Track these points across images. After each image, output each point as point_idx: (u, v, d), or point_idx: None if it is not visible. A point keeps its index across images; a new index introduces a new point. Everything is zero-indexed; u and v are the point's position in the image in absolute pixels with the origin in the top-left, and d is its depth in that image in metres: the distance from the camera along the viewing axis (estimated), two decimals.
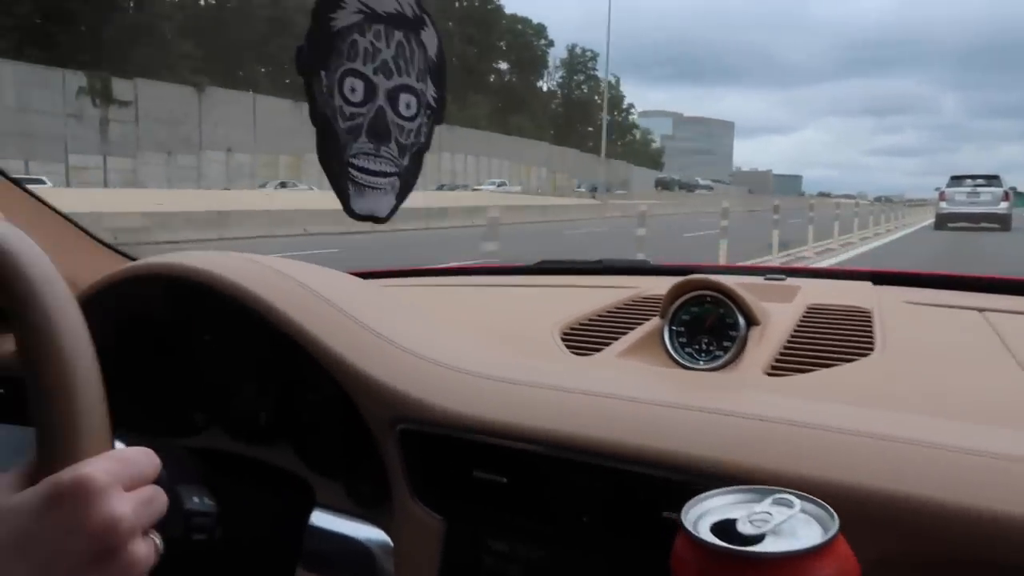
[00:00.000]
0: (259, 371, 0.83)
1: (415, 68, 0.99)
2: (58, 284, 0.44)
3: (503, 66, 71.25)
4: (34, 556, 0.39)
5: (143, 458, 0.44)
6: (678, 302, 0.88)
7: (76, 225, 1.02)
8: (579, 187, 52.27)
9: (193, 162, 37.30)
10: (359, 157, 0.99)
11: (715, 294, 0.86)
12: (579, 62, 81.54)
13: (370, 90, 0.97)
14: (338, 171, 0.97)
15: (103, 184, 31.89)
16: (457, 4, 63.48)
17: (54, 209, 1.01)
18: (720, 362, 0.83)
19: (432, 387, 0.68)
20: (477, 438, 0.65)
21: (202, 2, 43.16)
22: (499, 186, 43.53)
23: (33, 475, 0.41)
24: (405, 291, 1.21)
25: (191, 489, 0.63)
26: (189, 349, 0.87)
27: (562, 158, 66.72)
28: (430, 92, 1.02)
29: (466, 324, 0.97)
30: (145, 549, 0.42)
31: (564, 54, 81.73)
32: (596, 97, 79.26)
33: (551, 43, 75.69)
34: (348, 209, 0.98)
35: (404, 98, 1.00)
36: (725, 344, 0.84)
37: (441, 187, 42.09)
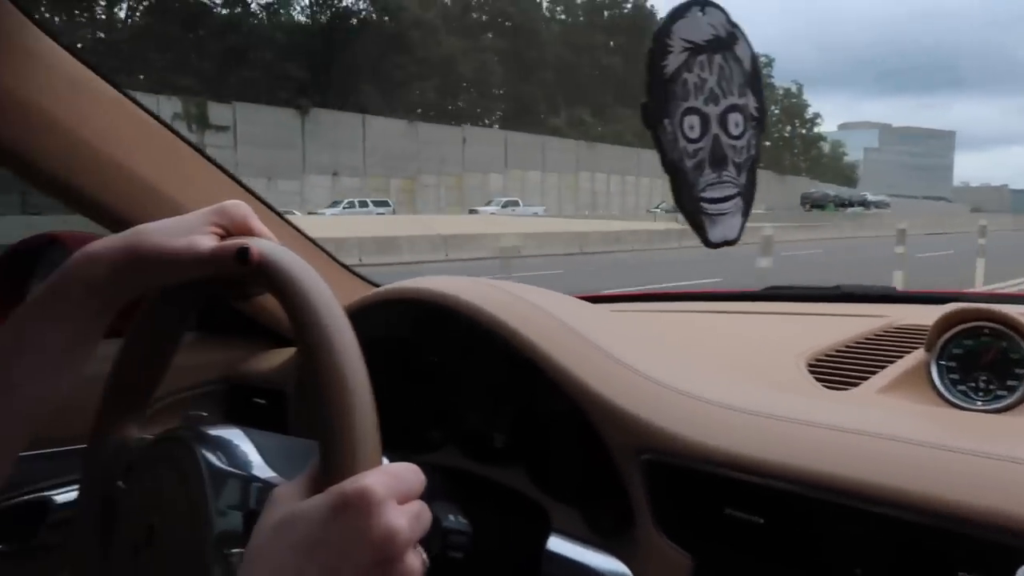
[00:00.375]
0: (495, 393, 0.91)
1: (736, 85, 1.04)
2: (337, 310, 0.52)
3: None
4: (323, 560, 0.45)
5: (411, 474, 0.50)
6: (948, 334, 0.84)
7: (324, 251, 1.16)
8: (656, 207, 44.12)
9: (296, 187, 36.25)
10: (706, 189, 1.04)
11: (995, 326, 0.82)
12: None
13: (704, 122, 1.02)
14: (692, 209, 1.05)
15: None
16: (606, 13, 59.64)
17: (306, 236, 1.16)
18: (1005, 403, 0.79)
19: (679, 418, 0.71)
20: (729, 473, 0.66)
21: (314, 20, 42.58)
22: (505, 206, 37.36)
23: (317, 483, 0.48)
24: (634, 316, 1.27)
25: (445, 507, 0.68)
26: (427, 369, 0.96)
27: None
28: (751, 104, 1.07)
29: (702, 352, 0.99)
30: (417, 562, 0.48)
31: None
32: (773, 107, 71.56)
33: None
34: (705, 240, 1.07)
35: (732, 118, 1.05)
36: (1010, 383, 0.80)
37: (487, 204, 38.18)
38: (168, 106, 34.45)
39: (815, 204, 51.01)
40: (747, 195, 1.08)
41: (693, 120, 1.00)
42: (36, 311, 0.58)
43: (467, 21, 52.60)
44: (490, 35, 53.83)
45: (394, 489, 0.47)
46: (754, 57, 1.05)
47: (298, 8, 45.14)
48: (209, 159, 1.07)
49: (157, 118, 1.02)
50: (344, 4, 45.67)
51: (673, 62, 0.99)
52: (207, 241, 0.57)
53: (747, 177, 1.07)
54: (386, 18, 44.39)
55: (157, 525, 0.61)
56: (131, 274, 0.58)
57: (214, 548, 0.56)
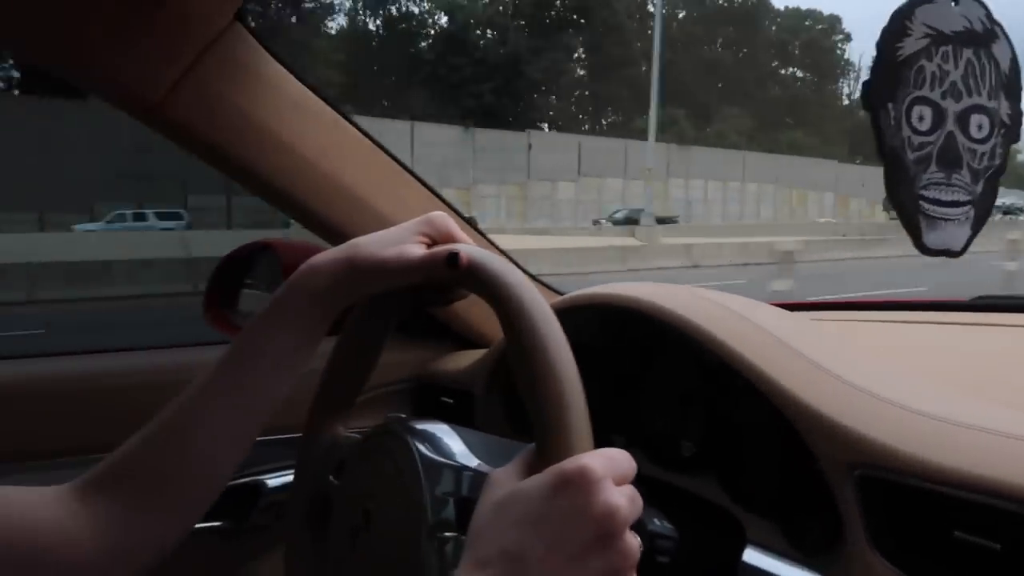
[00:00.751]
0: (684, 400, 0.95)
1: (986, 86, 1.01)
2: (546, 307, 0.59)
3: (788, 71, 60.53)
4: (547, 533, 0.50)
5: (625, 459, 0.54)
6: None
7: (511, 259, 1.27)
8: (609, 218, 37.21)
9: None
10: (929, 188, 1.03)
11: None
12: None
13: (938, 116, 1.01)
14: (908, 205, 1.04)
15: (227, 226, 30.17)
16: (708, 2, 55.40)
17: (494, 245, 1.25)
18: None
19: (898, 432, 0.70)
20: (960, 494, 0.64)
21: (360, 23, 41.86)
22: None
23: (532, 467, 0.54)
24: (838, 325, 1.29)
25: (649, 511, 0.69)
26: (614, 373, 1.02)
27: (859, 178, 53.97)
28: (1003, 109, 1.04)
29: (916, 364, 0.99)
30: (635, 541, 0.52)
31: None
32: None
33: (847, 36, 63.07)
34: (919, 244, 1.05)
35: (975, 119, 1.02)
36: None
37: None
38: None
39: None
40: (981, 207, 1.03)
41: (924, 111, 0.97)
42: (266, 319, 0.68)
43: (539, 17, 50.14)
44: (571, 31, 50.93)
45: (611, 470, 0.51)
46: (1015, 60, 1.01)
47: (342, 12, 44.60)
48: (412, 173, 1.22)
49: (368, 136, 1.17)
50: (395, 6, 44.66)
51: (910, 47, 0.96)
52: (417, 249, 0.66)
53: (985, 187, 1.02)
54: (443, 18, 42.91)
55: (373, 510, 0.69)
56: (349, 283, 0.67)
57: (429, 533, 0.62)
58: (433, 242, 0.67)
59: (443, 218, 0.68)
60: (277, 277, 1.05)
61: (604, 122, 55.45)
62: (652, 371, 0.98)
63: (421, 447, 0.66)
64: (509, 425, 1.14)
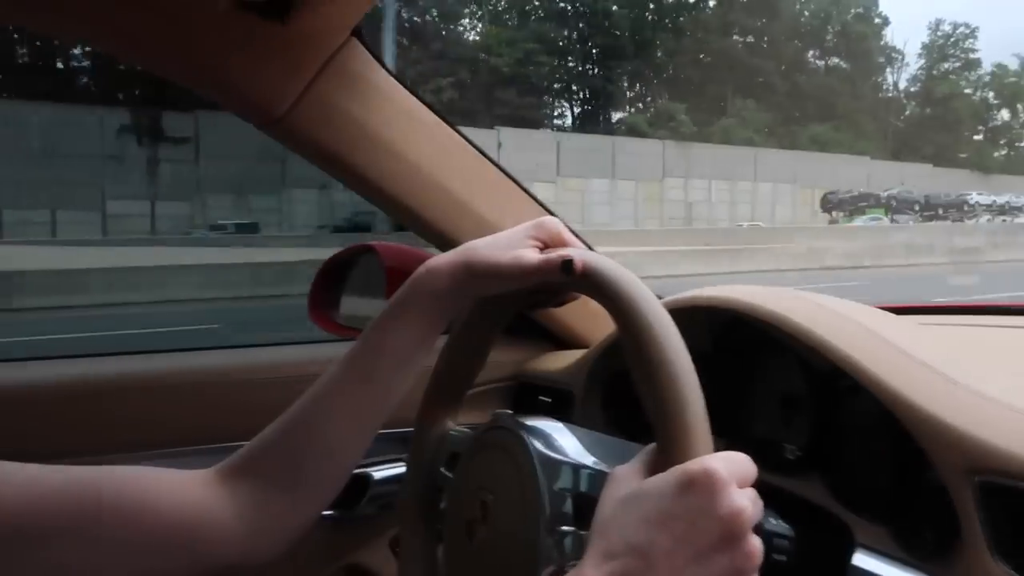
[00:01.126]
0: (788, 404, 1.00)
1: None
2: (662, 310, 0.63)
3: (816, 60, 56.97)
4: (674, 530, 0.54)
5: (747, 462, 0.58)
6: None
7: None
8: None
9: (274, 203, 33.53)
10: None
11: None
12: (950, 43, 62.24)
13: None
14: None
15: (150, 231, 29.27)
16: None
17: (589, 247, 1.42)
18: None
19: (1020, 437, 0.74)
20: None
21: None
22: None
23: (655, 466, 0.58)
24: (950, 330, 1.33)
25: (765, 511, 0.72)
26: (713, 377, 1.03)
27: (897, 177, 49.94)
28: None
29: None
30: (758, 542, 0.56)
31: (926, 37, 63.09)
32: (978, 91, 59.39)
33: (886, 21, 59.17)
34: None
35: None
36: None
37: None
38: (114, 119, 33.46)
39: (837, 206, 42.72)
40: None
41: None
42: (389, 317, 0.74)
43: (518, 7, 48.33)
44: (553, 23, 48.90)
45: (734, 473, 0.56)
46: None
47: None
48: (514, 180, 1.31)
49: (472, 143, 1.26)
50: None
51: None
52: (531, 254, 0.71)
53: None
54: (400, 7, 41.41)
55: (491, 503, 0.72)
56: (466, 285, 0.73)
57: (548, 527, 0.65)
58: (545, 246, 0.72)
59: (554, 223, 0.73)
60: (379, 279, 1.13)
61: (600, 119, 53.41)
62: (754, 374, 1.04)
63: (536, 443, 0.69)
64: (607, 424, 1.21)
